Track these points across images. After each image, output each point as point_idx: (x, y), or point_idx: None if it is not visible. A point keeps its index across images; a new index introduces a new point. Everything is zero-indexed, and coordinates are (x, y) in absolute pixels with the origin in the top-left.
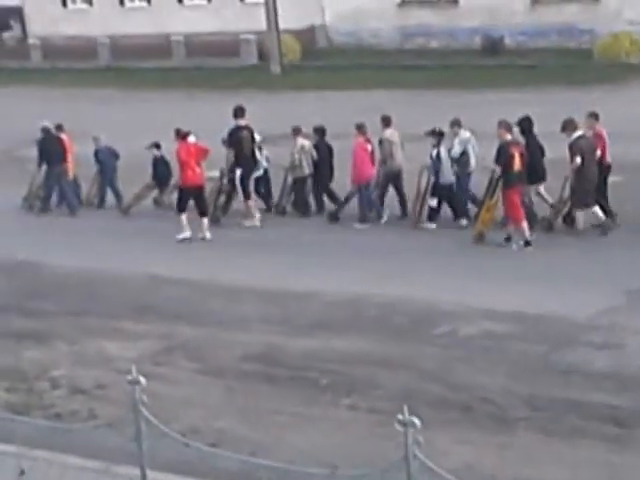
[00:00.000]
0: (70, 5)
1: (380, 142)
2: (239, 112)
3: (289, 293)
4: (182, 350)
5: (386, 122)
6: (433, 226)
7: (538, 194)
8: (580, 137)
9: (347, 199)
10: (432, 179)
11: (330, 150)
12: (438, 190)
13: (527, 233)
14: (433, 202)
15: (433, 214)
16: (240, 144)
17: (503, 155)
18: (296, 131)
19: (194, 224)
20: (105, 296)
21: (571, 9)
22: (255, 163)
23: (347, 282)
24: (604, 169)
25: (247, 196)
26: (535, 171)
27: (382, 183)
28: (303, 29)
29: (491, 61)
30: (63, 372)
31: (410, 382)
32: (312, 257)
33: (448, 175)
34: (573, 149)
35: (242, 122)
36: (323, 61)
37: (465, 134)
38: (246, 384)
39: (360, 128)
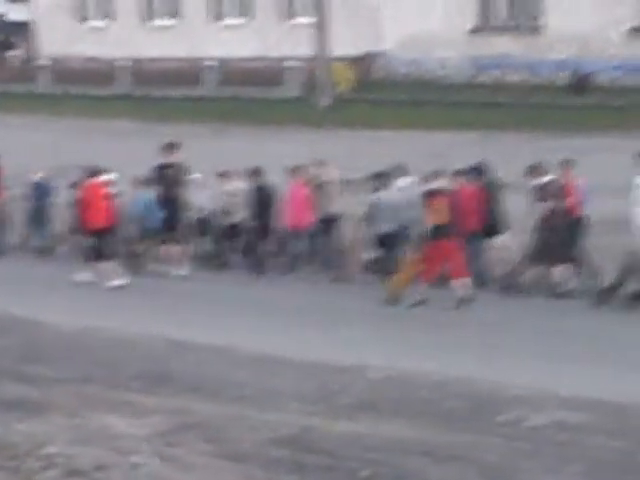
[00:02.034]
0: (88, 21)
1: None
2: (169, 148)
3: (327, 366)
4: (199, 429)
5: (322, 162)
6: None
7: (493, 249)
8: (548, 183)
9: (281, 250)
10: (371, 228)
11: (270, 195)
12: (377, 240)
13: (423, 292)
14: (372, 254)
15: (373, 266)
16: (164, 184)
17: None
18: (224, 174)
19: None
20: (111, 362)
21: None
22: (182, 205)
23: (395, 355)
24: (575, 223)
25: (172, 241)
26: (489, 222)
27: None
28: (358, 56)
29: (579, 100)
30: (58, 449)
31: (466, 478)
32: (339, 324)
33: (388, 224)
34: (540, 196)
35: (170, 159)
36: (381, 94)
37: (405, 181)
38: (272, 472)
39: (296, 170)
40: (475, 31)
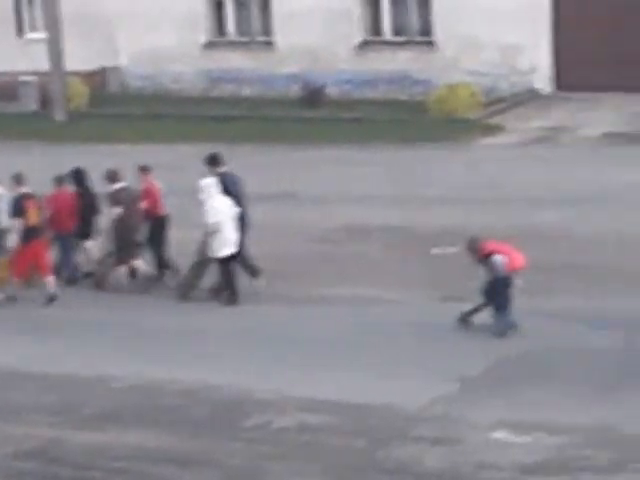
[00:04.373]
0: None
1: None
2: None
3: (70, 378)
4: None
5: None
6: None
7: (85, 251)
8: (122, 189)
9: None
10: None
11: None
12: None
13: (11, 290)
14: None
15: None
16: None
17: (17, 209)
18: None
19: None
20: None
21: (403, 56)
22: None
23: (140, 365)
24: (157, 221)
25: None
26: (83, 227)
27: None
28: (93, 71)
29: (311, 113)
30: None
31: None
32: (90, 335)
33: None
34: (113, 201)
35: None
36: (116, 108)
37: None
38: None
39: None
40: (208, 46)
